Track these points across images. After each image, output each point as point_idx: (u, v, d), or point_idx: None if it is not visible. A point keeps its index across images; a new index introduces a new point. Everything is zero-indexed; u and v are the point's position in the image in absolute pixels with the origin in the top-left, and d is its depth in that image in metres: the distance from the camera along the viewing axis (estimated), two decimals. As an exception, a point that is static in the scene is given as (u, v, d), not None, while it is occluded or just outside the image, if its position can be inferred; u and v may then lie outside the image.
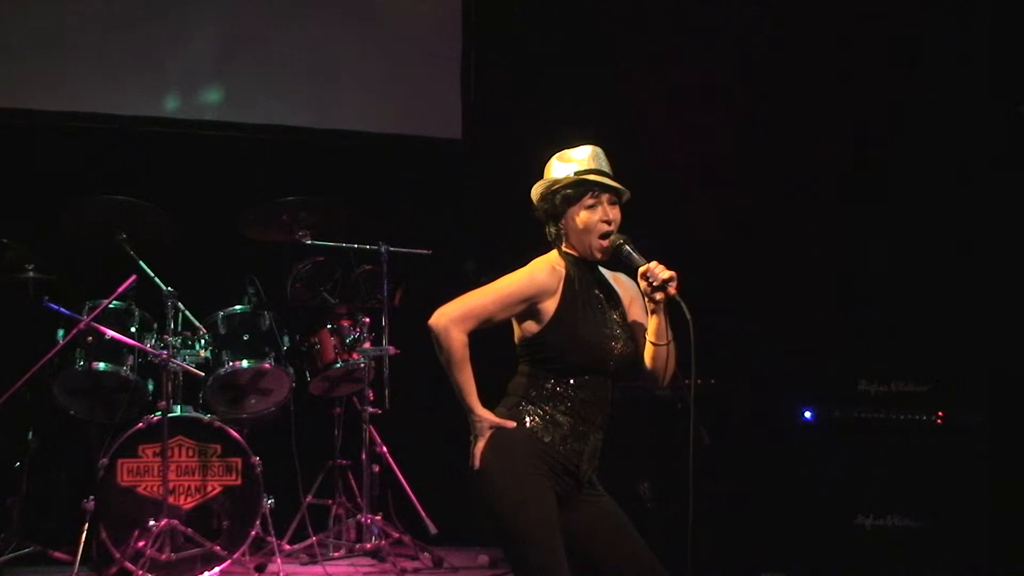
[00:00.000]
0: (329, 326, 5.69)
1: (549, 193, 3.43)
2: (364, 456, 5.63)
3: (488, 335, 3.39)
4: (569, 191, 3.39)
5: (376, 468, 5.68)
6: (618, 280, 3.52)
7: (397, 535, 5.65)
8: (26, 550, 5.18)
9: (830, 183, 6.12)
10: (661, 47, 6.43)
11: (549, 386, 3.33)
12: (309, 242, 5.64)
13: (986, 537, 5.18)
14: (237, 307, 5.58)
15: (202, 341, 5.43)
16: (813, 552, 5.21)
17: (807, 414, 5.38)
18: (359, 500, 5.63)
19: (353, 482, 5.75)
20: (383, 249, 5.64)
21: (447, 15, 6.77)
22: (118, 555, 4.90)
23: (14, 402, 4.85)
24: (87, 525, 4.99)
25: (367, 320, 5.75)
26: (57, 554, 5.18)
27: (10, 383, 4.80)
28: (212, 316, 5.52)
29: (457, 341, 3.29)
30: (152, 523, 4.94)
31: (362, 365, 5.64)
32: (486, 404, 3.37)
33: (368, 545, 5.57)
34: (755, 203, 6.19)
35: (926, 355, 5.58)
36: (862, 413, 5.34)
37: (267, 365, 5.46)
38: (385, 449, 5.75)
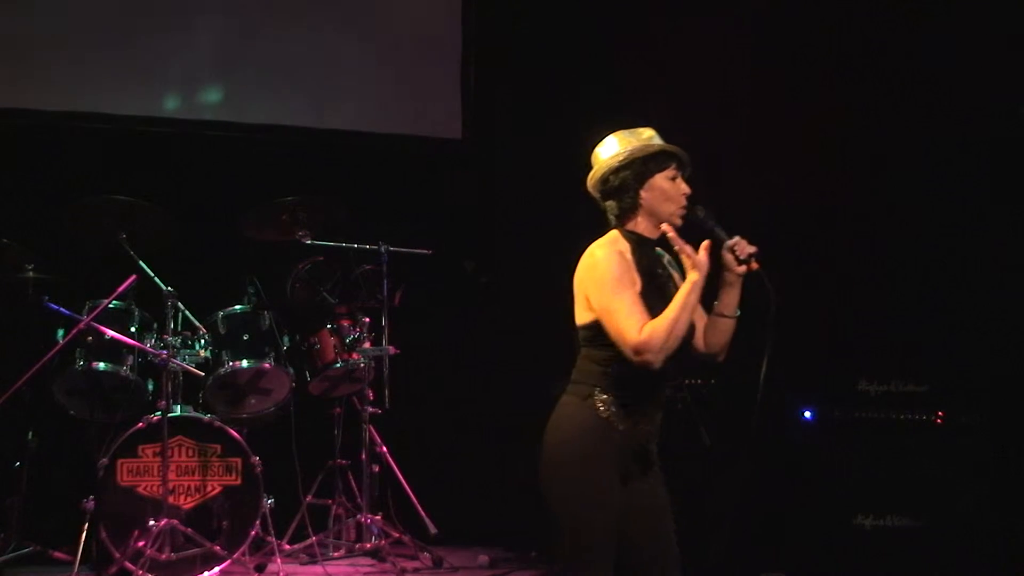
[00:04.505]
0: (329, 326, 5.69)
1: (634, 160, 3.37)
2: (364, 456, 5.63)
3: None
4: (660, 158, 3.37)
5: (376, 468, 5.69)
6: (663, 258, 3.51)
7: (397, 535, 5.65)
8: (26, 550, 5.18)
9: (830, 183, 6.11)
10: (661, 46, 6.43)
11: (620, 370, 3.27)
12: (309, 242, 5.64)
13: (986, 537, 5.18)
14: (237, 307, 5.57)
15: (202, 341, 5.43)
16: (813, 552, 5.21)
17: (807, 414, 5.38)
18: (359, 500, 5.63)
19: (353, 482, 5.75)
20: (383, 249, 5.64)
21: (447, 15, 6.77)
22: (118, 555, 4.90)
23: (14, 402, 4.85)
24: (87, 525, 4.98)
25: (367, 320, 5.75)
26: (57, 554, 5.18)
27: (10, 383, 4.80)
28: (212, 316, 5.52)
29: (646, 339, 3.16)
30: (152, 523, 4.94)
31: (362, 365, 5.64)
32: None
33: (368, 545, 5.57)
34: (755, 203, 6.18)
35: (926, 355, 5.58)
36: (862, 413, 5.34)
37: (267, 365, 5.46)
38: (385, 449, 5.74)
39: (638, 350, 3.16)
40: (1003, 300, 5.70)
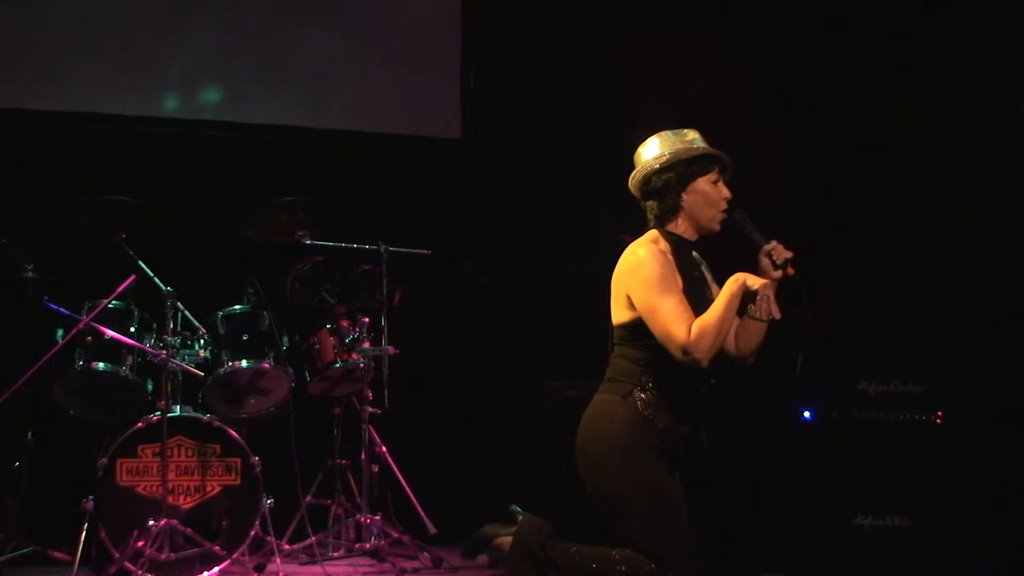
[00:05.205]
0: (328, 326, 5.69)
1: (677, 162, 3.37)
2: (363, 456, 5.62)
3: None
4: (704, 161, 3.38)
5: (375, 468, 5.68)
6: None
7: (396, 535, 5.65)
8: (25, 550, 5.17)
9: (829, 183, 6.12)
10: (662, 47, 6.43)
11: (659, 369, 3.28)
12: (309, 242, 5.64)
13: (986, 537, 5.18)
14: (237, 307, 5.57)
15: (201, 341, 5.43)
16: (813, 552, 5.21)
17: (807, 414, 5.38)
18: (358, 500, 5.63)
19: (352, 482, 5.75)
20: (383, 249, 5.64)
21: (446, 14, 6.76)
22: (117, 555, 4.90)
23: (14, 402, 4.84)
24: (86, 525, 4.98)
25: (366, 320, 5.74)
26: (56, 554, 5.17)
27: (10, 383, 4.80)
28: (212, 316, 5.52)
29: (696, 340, 3.19)
30: (151, 523, 4.94)
31: (361, 365, 5.64)
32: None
33: (367, 545, 5.56)
34: (754, 202, 6.18)
35: (926, 355, 5.58)
36: (862, 413, 5.34)
37: (266, 365, 5.46)
38: (384, 449, 5.74)
39: (687, 350, 3.17)
40: (1003, 299, 5.69)
